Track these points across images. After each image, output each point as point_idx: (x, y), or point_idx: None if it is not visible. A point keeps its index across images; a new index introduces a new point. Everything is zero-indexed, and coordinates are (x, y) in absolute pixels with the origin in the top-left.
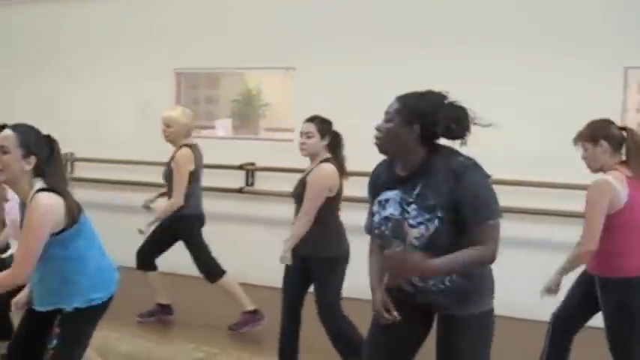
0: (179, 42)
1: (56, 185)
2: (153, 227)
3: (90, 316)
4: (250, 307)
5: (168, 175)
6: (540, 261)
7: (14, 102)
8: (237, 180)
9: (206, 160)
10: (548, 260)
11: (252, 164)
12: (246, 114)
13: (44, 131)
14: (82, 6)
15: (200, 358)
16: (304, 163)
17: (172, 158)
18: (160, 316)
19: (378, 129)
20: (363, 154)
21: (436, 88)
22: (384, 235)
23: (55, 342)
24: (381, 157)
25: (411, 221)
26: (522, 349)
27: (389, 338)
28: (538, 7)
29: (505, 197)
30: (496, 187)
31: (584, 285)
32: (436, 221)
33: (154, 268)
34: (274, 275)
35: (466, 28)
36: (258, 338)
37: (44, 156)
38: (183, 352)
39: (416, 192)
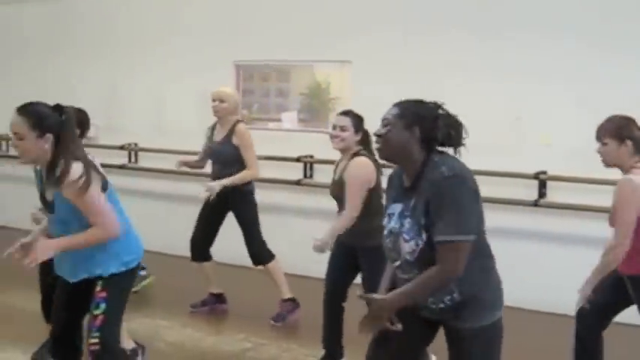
0: (238, 35)
1: (78, 154)
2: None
3: (128, 278)
4: (288, 295)
5: (222, 154)
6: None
7: (78, 91)
8: (296, 172)
9: (266, 152)
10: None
11: (311, 156)
12: (315, 107)
13: (107, 121)
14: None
15: (247, 348)
16: None
17: (231, 134)
18: (213, 306)
19: (378, 135)
20: None
21: (491, 82)
22: (388, 249)
23: (103, 306)
24: None
25: (405, 235)
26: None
27: (393, 342)
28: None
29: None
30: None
31: (613, 281)
32: (424, 236)
33: (209, 257)
34: None
35: (527, 19)
36: (306, 329)
37: (58, 128)
38: (231, 342)
39: (411, 204)
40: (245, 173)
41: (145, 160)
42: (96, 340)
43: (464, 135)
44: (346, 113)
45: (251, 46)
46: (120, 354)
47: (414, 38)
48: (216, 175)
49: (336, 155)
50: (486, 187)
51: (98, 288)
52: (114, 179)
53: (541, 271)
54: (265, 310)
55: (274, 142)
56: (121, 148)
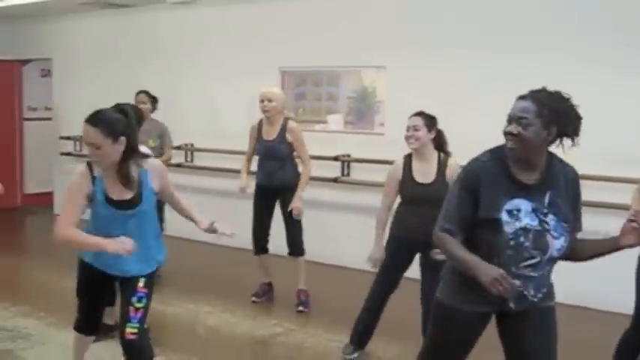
0: (283, 42)
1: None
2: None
3: (155, 276)
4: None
5: (277, 151)
6: None
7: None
8: (334, 170)
9: (310, 152)
10: None
11: (348, 156)
12: (362, 110)
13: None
14: (198, 11)
15: (278, 333)
16: (394, 155)
17: (284, 132)
18: (268, 295)
19: (512, 133)
20: None
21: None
22: (523, 247)
23: (144, 300)
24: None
25: (553, 233)
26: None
27: (466, 337)
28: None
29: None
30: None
31: None
32: (569, 229)
33: (267, 249)
34: (365, 258)
35: (558, 31)
36: (333, 317)
37: (126, 129)
38: (263, 327)
39: (547, 201)
40: (305, 173)
41: (200, 160)
42: (135, 330)
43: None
44: (418, 114)
45: (293, 53)
46: (149, 342)
47: (447, 51)
48: (270, 172)
49: (372, 154)
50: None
51: (141, 284)
52: (171, 177)
53: None
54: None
55: (318, 143)
56: (178, 148)
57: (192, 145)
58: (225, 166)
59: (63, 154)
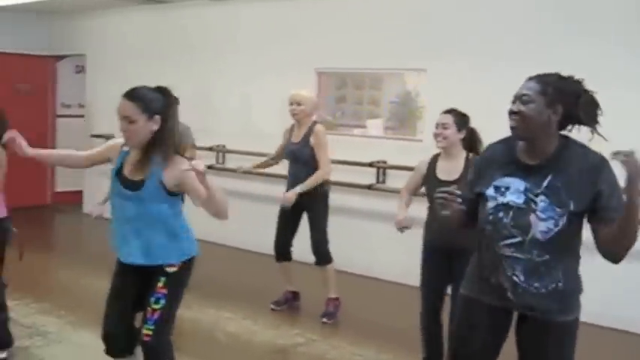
0: (320, 43)
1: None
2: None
3: (185, 277)
4: (335, 295)
5: (301, 154)
6: None
7: (174, 91)
8: (370, 177)
9: (347, 157)
10: None
11: (384, 162)
12: (403, 115)
13: (198, 124)
14: (232, 8)
15: (299, 343)
16: None
17: (309, 135)
18: (291, 303)
19: (514, 112)
20: None
21: None
22: (501, 223)
23: (162, 302)
24: None
25: (540, 214)
26: None
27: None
28: None
29: None
30: None
31: None
32: (565, 217)
33: (290, 257)
34: (399, 270)
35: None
36: (358, 329)
37: (163, 110)
38: (285, 336)
39: (545, 184)
40: (317, 175)
41: (232, 161)
42: (150, 332)
43: (599, 114)
44: (449, 111)
45: (331, 54)
46: (168, 347)
47: (486, 58)
48: (295, 175)
49: (410, 161)
50: None
51: (160, 284)
52: None
53: None
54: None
55: (355, 148)
56: (210, 149)
57: (223, 146)
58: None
59: None
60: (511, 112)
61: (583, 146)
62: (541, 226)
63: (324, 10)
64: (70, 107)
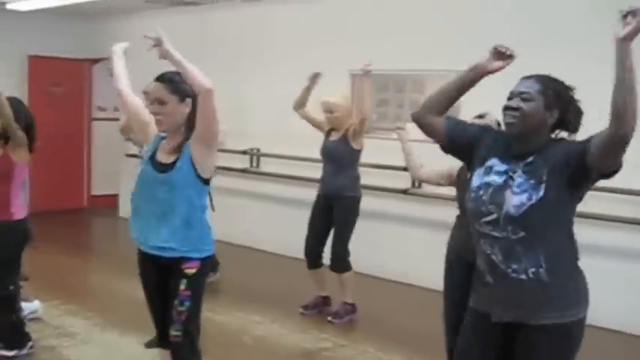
0: (353, 45)
1: None
2: None
3: (204, 276)
4: (351, 300)
5: (336, 151)
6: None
7: None
8: (406, 181)
9: (384, 161)
10: None
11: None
12: None
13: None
14: (265, 9)
15: (326, 347)
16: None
17: (346, 134)
18: (321, 308)
19: (514, 107)
20: None
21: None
22: (480, 200)
23: (187, 304)
24: None
25: (515, 188)
26: None
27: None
28: None
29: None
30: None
31: None
32: (541, 189)
33: (321, 263)
34: (434, 276)
35: None
36: (388, 334)
37: (194, 94)
38: (312, 340)
39: (526, 162)
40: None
41: (266, 165)
42: (179, 333)
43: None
44: (481, 116)
45: (365, 57)
46: (197, 344)
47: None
48: (327, 176)
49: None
50: None
51: (182, 287)
52: (235, 182)
53: None
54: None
55: (392, 152)
56: (244, 152)
57: (258, 150)
58: (292, 173)
59: (128, 155)
60: (509, 108)
61: (563, 139)
62: (514, 200)
63: (358, 11)
64: (105, 110)
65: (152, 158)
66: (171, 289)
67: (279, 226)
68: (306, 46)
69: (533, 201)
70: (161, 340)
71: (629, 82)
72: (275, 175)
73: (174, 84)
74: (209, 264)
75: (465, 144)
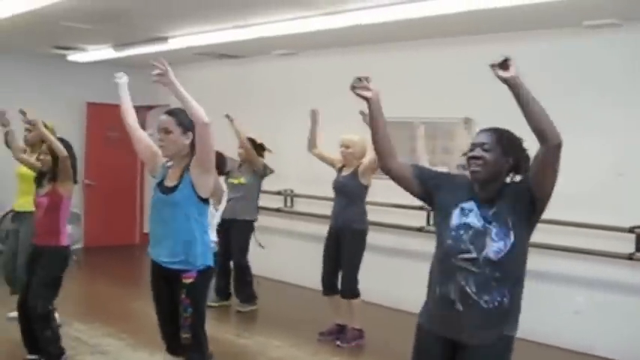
0: (383, 92)
1: None
2: None
3: (205, 285)
4: (359, 326)
5: (346, 186)
6: None
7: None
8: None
9: (398, 201)
10: None
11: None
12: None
13: None
14: (301, 60)
15: None
16: None
17: (356, 170)
18: (337, 335)
19: (478, 157)
20: None
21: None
22: (461, 239)
23: (190, 310)
24: None
25: (494, 236)
26: None
27: None
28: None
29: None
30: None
31: None
32: (511, 235)
33: (336, 291)
34: None
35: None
36: (390, 358)
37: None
38: None
39: (491, 212)
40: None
41: (299, 205)
42: (188, 335)
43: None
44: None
45: (393, 103)
46: (205, 342)
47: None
48: (337, 210)
49: None
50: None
51: (183, 295)
52: (271, 221)
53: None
54: (368, 339)
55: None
56: (279, 193)
57: (291, 190)
58: (323, 212)
59: None
60: (472, 157)
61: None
62: (494, 246)
63: (388, 60)
64: None
65: (160, 184)
66: (177, 298)
67: (310, 261)
68: (335, 93)
69: (508, 247)
70: (168, 346)
71: (532, 102)
72: (307, 214)
73: (180, 118)
74: (208, 276)
75: (432, 186)
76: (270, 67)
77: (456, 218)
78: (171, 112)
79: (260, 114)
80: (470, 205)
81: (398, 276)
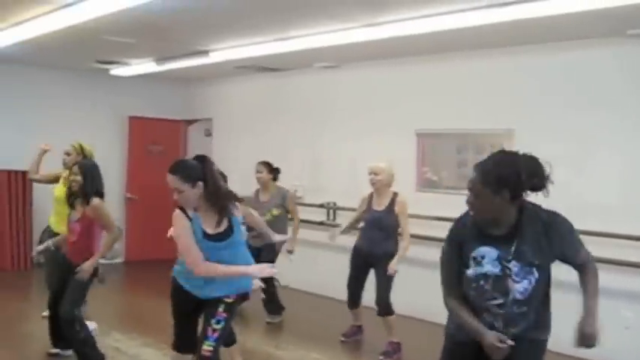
0: (419, 106)
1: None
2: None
3: (240, 302)
4: (397, 339)
5: (383, 221)
6: None
7: (288, 155)
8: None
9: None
10: None
11: None
12: None
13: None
14: (339, 73)
15: None
16: None
17: (392, 204)
18: (358, 336)
19: (471, 204)
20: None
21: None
22: (483, 290)
23: (222, 323)
24: None
25: (515, 277)
26: None
27: None
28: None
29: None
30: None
31: None
32: (536, 273)
33: (359, 304)
34: None
35: None
36: None
37: (208, 175)
38: None
39: (513, 249)
40: (404, 245)
41: (341, 217)
42: (210, 348)
43: (547, 173)
44: None
45: (431, 116)
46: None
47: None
48: (372, 240)
49: None
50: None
51: (221, 309)
52: (313, 234)
53: None
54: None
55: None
56: (321, 206)
57: (334, 203)
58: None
59: None
60: (467, 203)
61: (534, 205)
62: (518, 287)
63: (425, 72)
64: None
65: (205, 235)
66: (207, 311)
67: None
68: (376, 106)
69: (533, 284)
70: (178, 346)
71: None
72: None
73: (184, 173)
74: (243, 298)
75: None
76: (311, 79)
77: (471, 270)
78: (174, 171)
79: (300, 127)
80: (482, 251)
81: (426, 287)
